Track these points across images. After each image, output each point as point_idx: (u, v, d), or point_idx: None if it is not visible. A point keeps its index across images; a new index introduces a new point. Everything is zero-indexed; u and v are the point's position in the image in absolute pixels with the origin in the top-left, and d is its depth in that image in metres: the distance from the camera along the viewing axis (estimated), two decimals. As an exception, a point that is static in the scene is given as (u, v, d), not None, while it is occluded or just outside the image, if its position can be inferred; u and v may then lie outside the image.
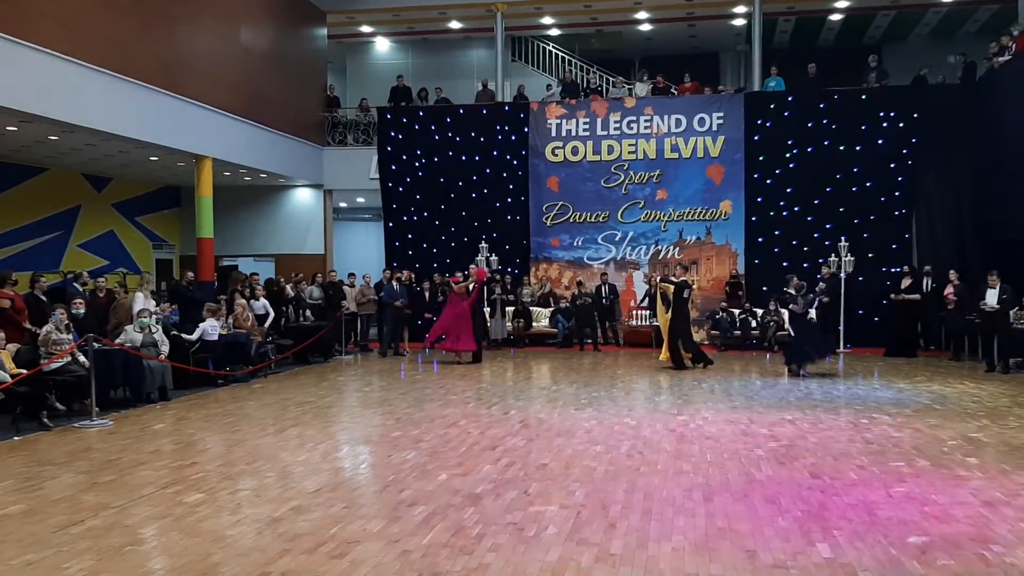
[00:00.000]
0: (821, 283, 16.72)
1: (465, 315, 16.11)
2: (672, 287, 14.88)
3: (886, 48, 24.42)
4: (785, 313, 15.30)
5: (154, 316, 12.43)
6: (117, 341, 11.43)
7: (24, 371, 9.70)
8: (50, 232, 19.14)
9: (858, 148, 18.85)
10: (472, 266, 17.30)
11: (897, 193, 18.73)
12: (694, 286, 17.87)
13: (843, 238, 17.68)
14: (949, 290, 15.95)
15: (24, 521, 6.08)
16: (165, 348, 12.06)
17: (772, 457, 7.93)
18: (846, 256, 17.45)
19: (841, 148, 18.91)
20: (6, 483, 7.21)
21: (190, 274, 15.70)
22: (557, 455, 8.09)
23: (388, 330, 17.68)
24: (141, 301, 12.97)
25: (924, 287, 16.85)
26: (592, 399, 11.61)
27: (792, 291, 14.58)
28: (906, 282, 16.96)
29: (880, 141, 18.76)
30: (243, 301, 14.49)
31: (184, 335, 13.01)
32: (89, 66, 13.39)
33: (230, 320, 14.11)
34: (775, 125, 19.24)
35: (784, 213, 19.19)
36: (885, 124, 18.78)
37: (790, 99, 19.40)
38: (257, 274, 16.75)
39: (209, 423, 10.09)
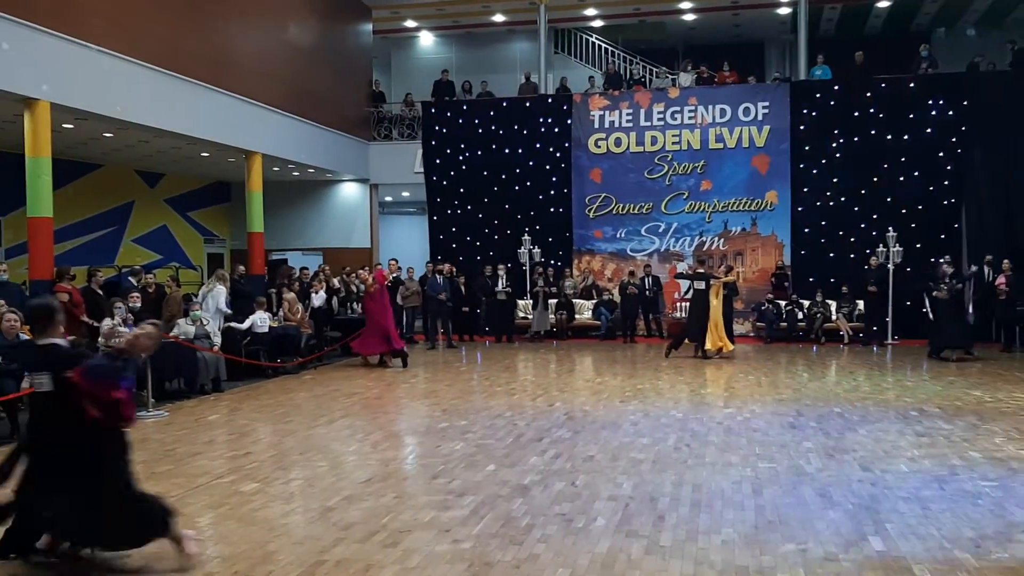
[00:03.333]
0: (972, 268, 16.45)
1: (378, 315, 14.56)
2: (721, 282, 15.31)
3: (934, 36, 23.97)
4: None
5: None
6: (171, 334, 11.68)
7: (82, 363, 9.93)
8: (105, 227, 19.57)
9: (906, 137, 18.55)
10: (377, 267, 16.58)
11: (946, 182, 18.41)
12: (739, 279, 18.18)
13: (890, 228, 17.47)
14: (1001, 280, 15.69)
15: (87, 509, 6.26)
16: (218, 340, 12.30)
17: (821, 450, 7.89)
18: (894, 247, 17.25)
19: (888, 137, 18.63)
20: (69, 472, 7.42)
21: (241, 268, 15.98)
22: (603, 447, 8.13)
23: (432, 322, 17.85)
24: (223, 294, 13.29)
25: (987, 276, 16.50)
26: (637, 391, 11.62)
27: (940, 277, 14.95)
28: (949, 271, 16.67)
29: (928, 130, 18.46)
30: (291, 295, 14.71)
31: (235, 324, 13.29)
32: (142, 64, 13.67)
33: (280, 313, 14.36)
34: (821, 114, 19.01)
35: (831, 203, 18.95)
36: (934, 112, 18.47)
37: (836, 88, 19.17)
38: (307, 268, 16.99)
39: (261, 414, 10.29)
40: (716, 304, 15.11)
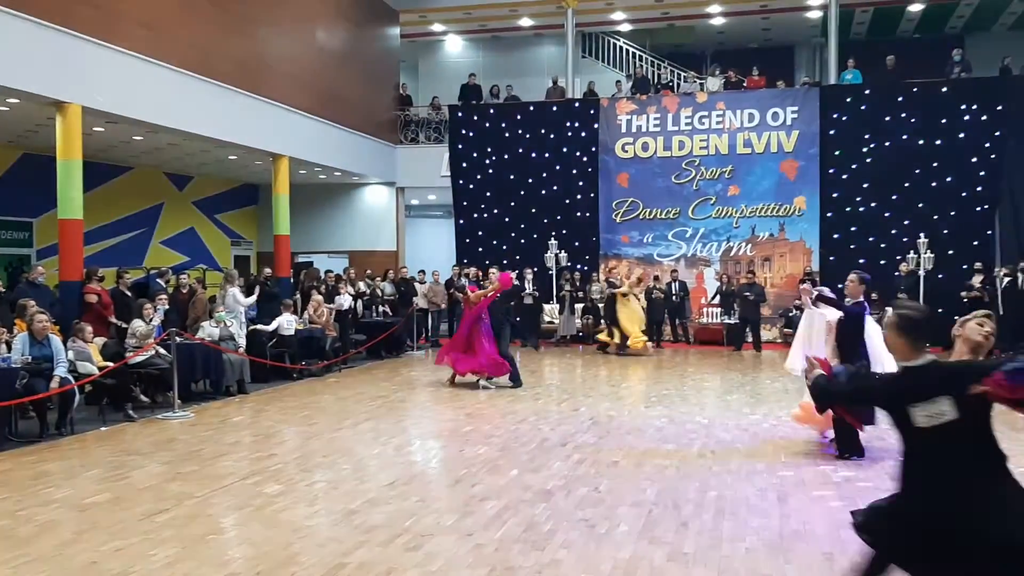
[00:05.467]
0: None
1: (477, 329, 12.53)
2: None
3: (968, 39, 23.65)
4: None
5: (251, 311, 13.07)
6: (197, 336, 11.76)
7: (110, 364, 10.06)
8: (134, 229, 19.73)
9: (938, 142, 18.32)
10: (493, 271, 14.14)
11: (979, 188, 18.16)
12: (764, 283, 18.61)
13: (922, 235, 17.24)
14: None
15: (112, 509, 6.33)
16: (242, 341, 12.37)
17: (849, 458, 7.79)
18: (925, 253, 17.01)
19: (920, 142, 18.40)
20: (95, 472, 7.50)
21: (268, 270, 16.07)
22: (628, 453, 8.08)
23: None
24: (239, 296, 13.39)
25: (1020, 283, 16.21)
26: (662, 397, 11.55)
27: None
28: (977, 279, 16.44)
29: (961, 135, 18.21)
30: (319, 297, 14.78)
31: (261, 326, 13.38)
32: (172, 68, 13.80)
33: (305, 316, 14.43)
34: (851, 119, 18.82)
35: (860, 209, 18.76)
36: (967, 117, 18.21)
37: (867, 92, 18.97)
38: (332, 271, 17.06)
39: (286, 416, 10.33)
40: (625, 306, 16.84)
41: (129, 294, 12.51)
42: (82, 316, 11.17)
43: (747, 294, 17.57)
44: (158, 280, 13.71)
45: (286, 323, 13.48)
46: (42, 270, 12.05)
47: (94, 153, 16.16)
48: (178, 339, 10.61)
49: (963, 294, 16.32)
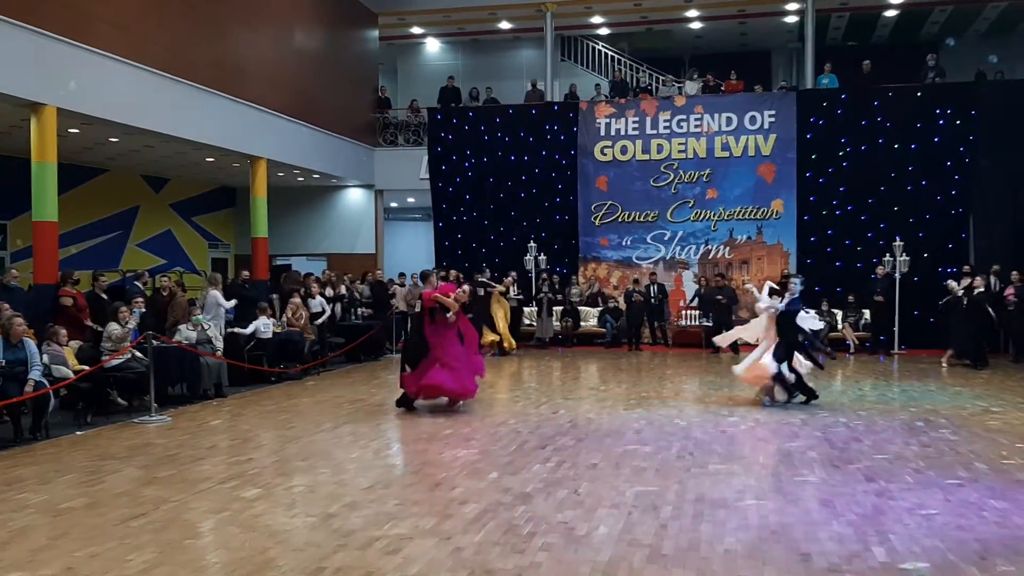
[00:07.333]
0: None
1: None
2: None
3: (943, 45, 23.91)
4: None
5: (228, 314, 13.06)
6: (174, 339, 11.67)
7: (86, 367, 9.96)
8: (110, 232, 19.56)
9: (913, 146, 18.49)
10: (465, 288, 12.23)
11: (953, 192, 18.34)
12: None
13: (897, 237, 17.40)
14: (1010, 291, 15.60)
15: (88, 514, 6.26)
16: (220, 344, 12.28)
17: (826, 459, 7.84)
18: (901, 256, 17.18)
19: (896, 146, 18.57)
20: (70, 476, 7.43)
21: (245, 273, 15.96)
22: (607, 455, 8.09)
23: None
24: (220, 299, 13.29)
25: (993, 286, 16.35)
26: (641, 399, 11.58)
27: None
28: (965, 281, 16.59)
29: (936, 139, 18.39)
30: (297, 300, 14.68)
31: (238, 329, 13.29)
32: (148, 69, 13.70)
33: (283, 319, 14.35)
34: (828, 123, 18.96)
35: (837, 212, 18.90)
36: (941, 122, 18.40)
37: (843, 97, 19.12)
38: (312, 273, 16.98)
39: (264, 420, 10.27)
40: (496, 308, 17.08)
41: (105, 297, 12.38)
42: (56, 319, 11.05)
43: (719, 297, 17.67)
44: (135, 283, 13.58)
45: (263, 326, 13.40)
46: (16, 273, 11.95)
47: (69, 155, 15.97)
48: (155, 342, 10.53)
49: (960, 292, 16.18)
